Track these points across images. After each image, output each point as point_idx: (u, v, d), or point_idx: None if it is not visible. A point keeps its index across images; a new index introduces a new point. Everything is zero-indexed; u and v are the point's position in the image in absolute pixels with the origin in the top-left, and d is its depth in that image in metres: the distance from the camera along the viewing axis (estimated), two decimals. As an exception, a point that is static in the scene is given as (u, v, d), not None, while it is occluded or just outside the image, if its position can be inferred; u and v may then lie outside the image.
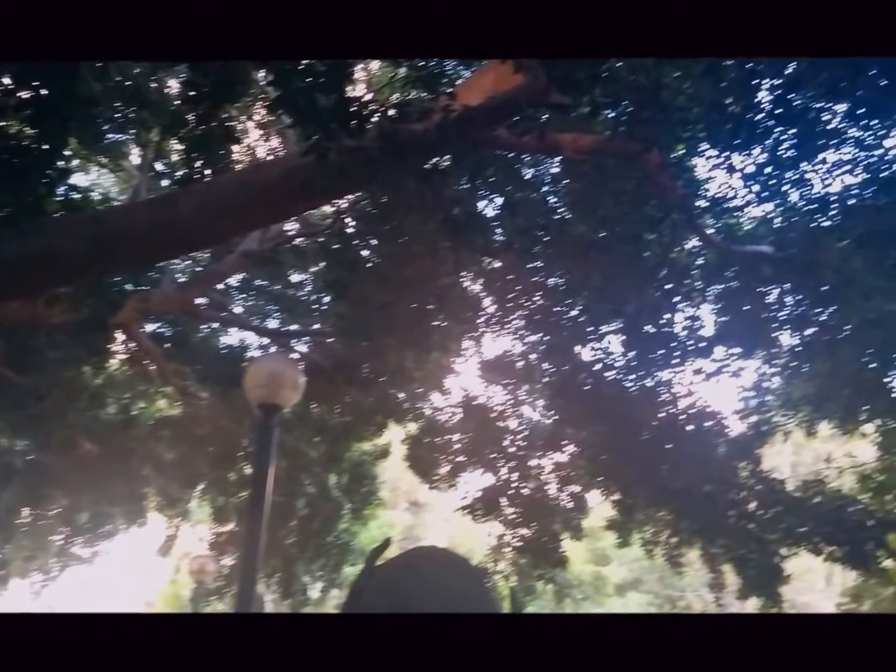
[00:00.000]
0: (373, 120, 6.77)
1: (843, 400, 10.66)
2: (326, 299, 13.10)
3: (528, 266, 10.69)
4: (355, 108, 6.15)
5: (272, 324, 14.12)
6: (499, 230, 10.85)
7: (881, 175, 9.54)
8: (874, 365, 9.96)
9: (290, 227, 13.13)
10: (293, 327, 13.95)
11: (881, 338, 9.56)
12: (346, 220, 11.82)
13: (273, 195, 7.65)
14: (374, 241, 11.40)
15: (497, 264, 11.08)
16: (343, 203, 11.79)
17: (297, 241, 12.91)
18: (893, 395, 10.03)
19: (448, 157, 8.90)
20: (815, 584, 16.35)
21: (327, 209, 12.65)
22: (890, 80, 8.01)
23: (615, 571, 20.27)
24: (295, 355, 12.82)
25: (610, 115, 9.04)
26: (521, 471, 12.25)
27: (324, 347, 12.89)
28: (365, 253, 11.47)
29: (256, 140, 13.74)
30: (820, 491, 10.44)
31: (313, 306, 13.66)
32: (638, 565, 19.13)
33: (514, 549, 12.59)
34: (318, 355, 12.63)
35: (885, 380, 10.04)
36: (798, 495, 10.49)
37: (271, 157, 12.62)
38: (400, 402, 13.00)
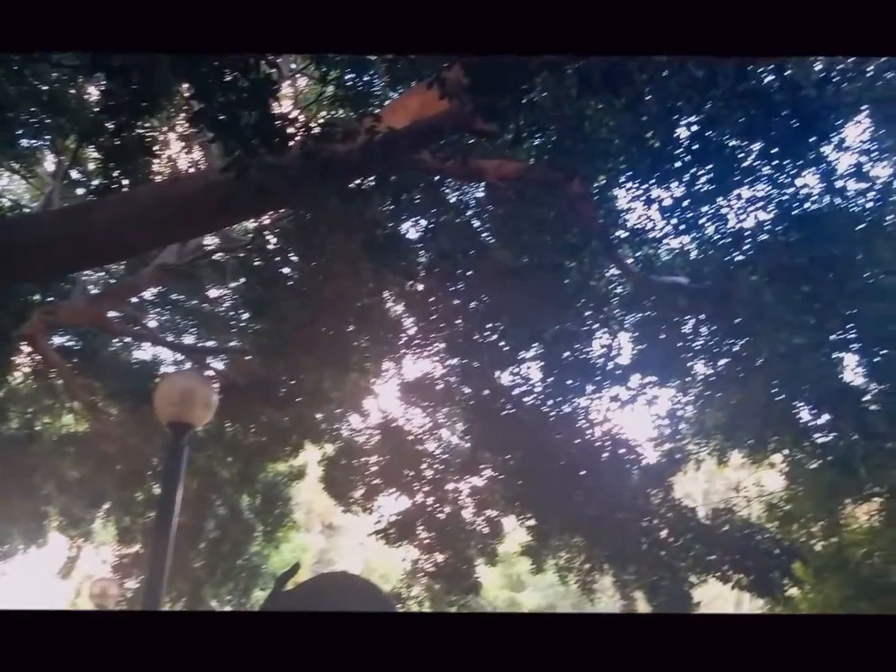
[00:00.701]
0: (296, 138, 6.68)
1: (754, 430, 10.94)
2: (245, 316, 12.78)
3: (449, 289, 10.66)
4: (278, 126, 6.04)
5: (188, 339, 13.70)
6: (422, 253, 10.82)
7: (792, 212, 9.88)
8: (782, 397, 10.26)
9: (210, 241, 12.80)
10: (209, 343, 13.57)
11: (789, 370, 9.85)
12: (268, 237, 11.60)
13: (192, 209, 7.45)
14: (295, 259, 11.20)
15: (419, 287, 11.02)
16: (265, 219, 11.58)
17: (217, 255, 12.58)
18: (800, 427, 10.34)
19: (372, 178, 8.85)
20: (725, 611, 16.70)
21: (249, 225, 12.39)
22: (801, 122, 8.30)
23: (530, 597, 20.29)
24: (210, 372, 12.46)
25: (534, 144, 9.11)
26: (437, 495, 12.15)
27: (240, 365, 12.56)
28: (285, 270, 11.25)
29: (178, 152, 13.39)
30: (729, 519, 10.66)
31: (231, 323, 13.31)
32: (553, 591, 19.21)
33: (428, 574, 12.45)
34: (234, 373, 12.31)
35: (793, 412, 10.35)
36: (708, 523, 10.69)
37: (192, 171, 12.32)
38: (317, 422, 12.76)
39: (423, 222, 10.76)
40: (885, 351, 9.20)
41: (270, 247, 11.33)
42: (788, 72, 8.51)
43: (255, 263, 11.41)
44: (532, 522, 11.58)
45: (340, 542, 21.45)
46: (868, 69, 9.38)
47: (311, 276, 10.57)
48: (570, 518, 10.75)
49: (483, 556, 12.41)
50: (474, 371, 11.17)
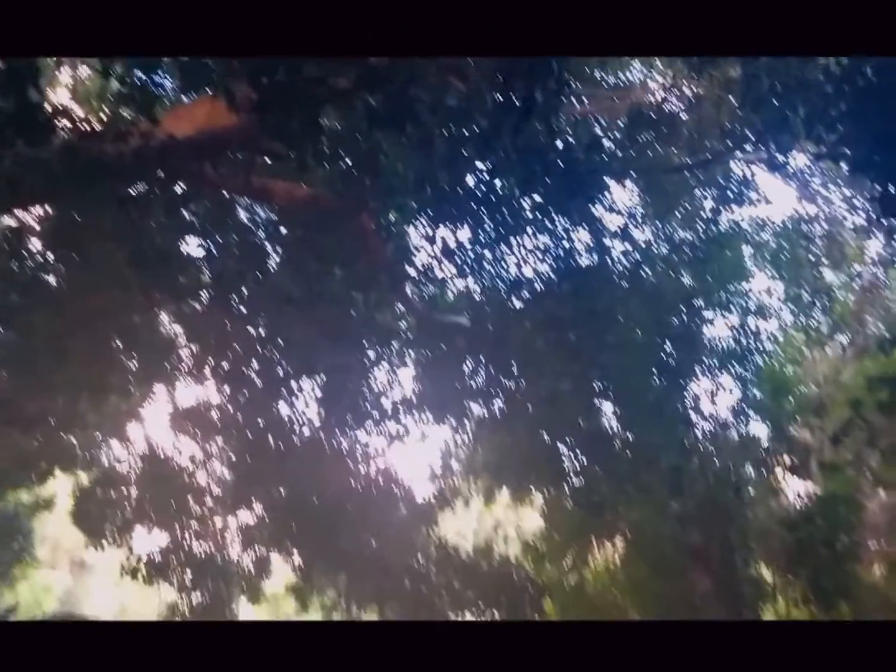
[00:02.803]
0: (62, 132, 6.15)
1: (519, 471, 11.33)
2: (-9, 324, 11.39)
3: (228, 313, 10.18)
4: (41, 117, 5.51)
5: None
6: (202, 271, 10.28)
7: (565, 266, 10.49)
8: (546, 440, 10.74)
9: (-43, 237, 11.38)
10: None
11: (554, 415, 10.35)
12: (27, 238, 10.50)
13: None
14: (57, 266, 10.20)
15: (197, 307, 10.43)
16: (27, 219, 10.50)
17: (-36, 254, 11.19)
18: (559, 469, 10.86)
19: (150, 186, 8.32)
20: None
21: (6, 222, 11.16)
22: (573, 181, 8.85)
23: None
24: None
25: (328, 172, 8.99)
26: (201, 530, 11.43)
27: (-19, 380, 11.16)
28: (45, 277, 10.20)
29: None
30: (489, 557, 10.95)
31: (-26, 331, 11.79)
32: (321, 631, 18.67)
33: (185, 614, 11.62)
34: (-28, 388, 10.91)
35: (554, 454, 10.86)
36: (469, 561, 10.90)
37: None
38: (70, 447, 11.56)
39: (205, 239, 10.24)
40: (632, 401, 9.92)
41: (28, 249, 10.25)
42: (568, 135, 9.11)
43: (10, 266, 10.26)
44: (298, 560, 11.20)
45: (91, 582, 19.46)
46: (641, 138, 10.23)
47: (72, 285, 9.66)
48: (336, 555, 10.51)
49: (246, 594, 11.79)
50: (249, 400, 10.70)
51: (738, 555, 10.50)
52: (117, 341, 10.14)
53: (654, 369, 9.69)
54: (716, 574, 10.46)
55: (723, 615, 10.38)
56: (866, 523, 10.88)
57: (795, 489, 11.29)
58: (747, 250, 10.93)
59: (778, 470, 10.76)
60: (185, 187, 8.97)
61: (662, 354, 9.80)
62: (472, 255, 10.28)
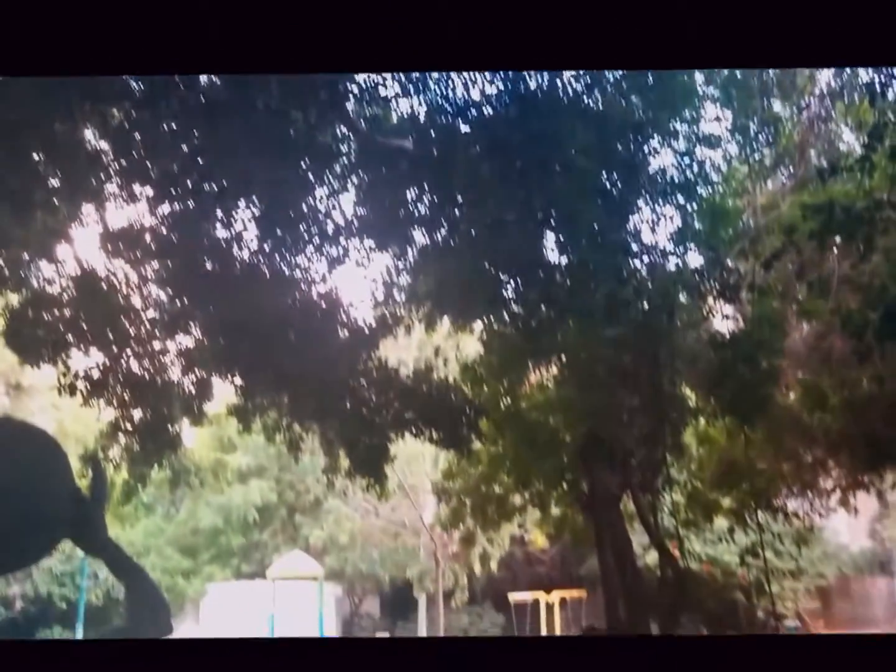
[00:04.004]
0: None
1: (461, 298, 11.40)
2: None
3: (157, 127, 9.61)
4: None
5: None
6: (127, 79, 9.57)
7: (514, 89, 10.09)
8: (488, 267, 10.76)
9: None
10: None
11: (495, 243, 10.32)
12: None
13: None
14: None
15: (122, 119, 9.80)
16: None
17: None
18: (500, 296, 10.98)
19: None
20: (424, 467, 17.97)
21: None
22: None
23: (239, 458, 20.21)
24: None
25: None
26: (139, 351, 11.36)
27: None
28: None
29: None
30: (428, 379, 11.25)
31: None
32: (264, 452, 19.32)
33: (127, 433, 11.76)
34: None
35: (496, 282, 10.93)
36: (409, 383, 11.19)
37: None
38: (-4, 266, 11.15)
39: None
40: (574, 229, 9.92)
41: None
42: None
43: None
44: (239, 382, 11.31)
45: (29, 404, 19.54)
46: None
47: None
48: (277, 377, 10.64)
49: (188, 414, 11.94)
50: (184, 220, 10.35)
51: (665, 375, 11.02)
52: (39, 154, 9.57)
53: (597, 198, 9.64)
54: (643, 393, 11.01)
55: (647, 429, 11.07)
56: (788, 350, 11.46)
57: (724, 314, 11.74)
58: (699, 77, 10.66)
59: (710, 298, 11.07)
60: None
61: (607, 183, 9.71)
62: (417, 73, 9.80)
